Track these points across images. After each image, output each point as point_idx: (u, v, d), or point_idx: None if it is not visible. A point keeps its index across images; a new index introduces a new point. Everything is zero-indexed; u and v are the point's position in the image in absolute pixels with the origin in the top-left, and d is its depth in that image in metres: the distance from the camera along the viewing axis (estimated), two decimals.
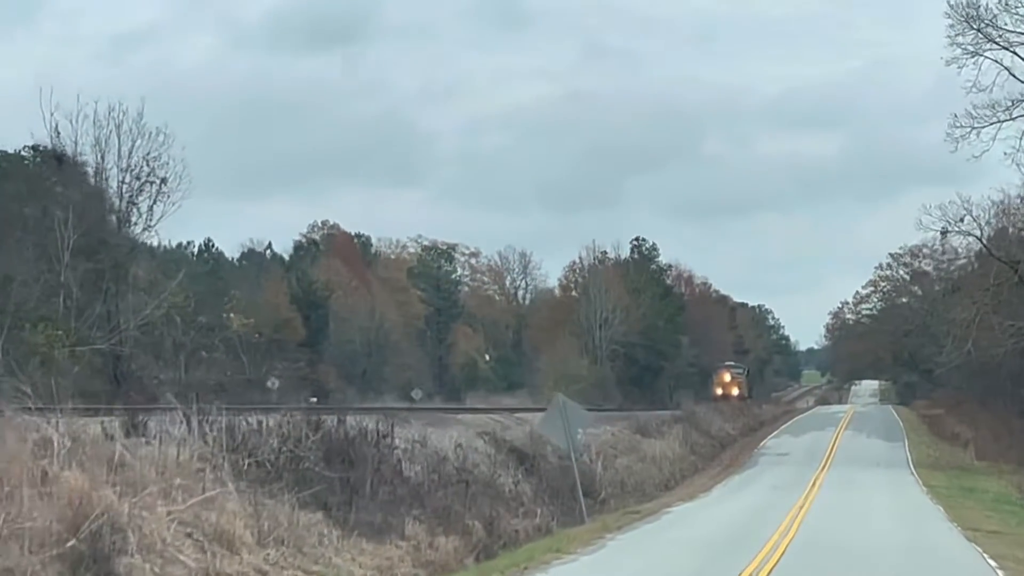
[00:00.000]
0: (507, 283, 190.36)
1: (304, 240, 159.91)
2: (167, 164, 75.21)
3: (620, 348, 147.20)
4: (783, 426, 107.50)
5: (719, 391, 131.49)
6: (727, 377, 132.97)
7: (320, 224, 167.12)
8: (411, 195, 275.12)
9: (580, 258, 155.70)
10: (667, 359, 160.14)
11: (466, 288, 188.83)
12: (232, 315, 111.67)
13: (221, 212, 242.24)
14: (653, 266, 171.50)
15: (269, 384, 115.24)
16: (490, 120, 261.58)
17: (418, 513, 35.48)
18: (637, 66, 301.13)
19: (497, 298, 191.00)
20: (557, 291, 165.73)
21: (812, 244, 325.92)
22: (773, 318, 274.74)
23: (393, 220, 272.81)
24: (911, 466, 73.73)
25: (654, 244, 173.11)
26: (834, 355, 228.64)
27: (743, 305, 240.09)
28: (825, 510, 46.59)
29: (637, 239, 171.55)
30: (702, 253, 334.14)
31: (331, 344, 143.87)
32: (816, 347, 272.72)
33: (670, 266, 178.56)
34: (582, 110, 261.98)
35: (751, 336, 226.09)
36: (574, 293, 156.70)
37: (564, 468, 51.43)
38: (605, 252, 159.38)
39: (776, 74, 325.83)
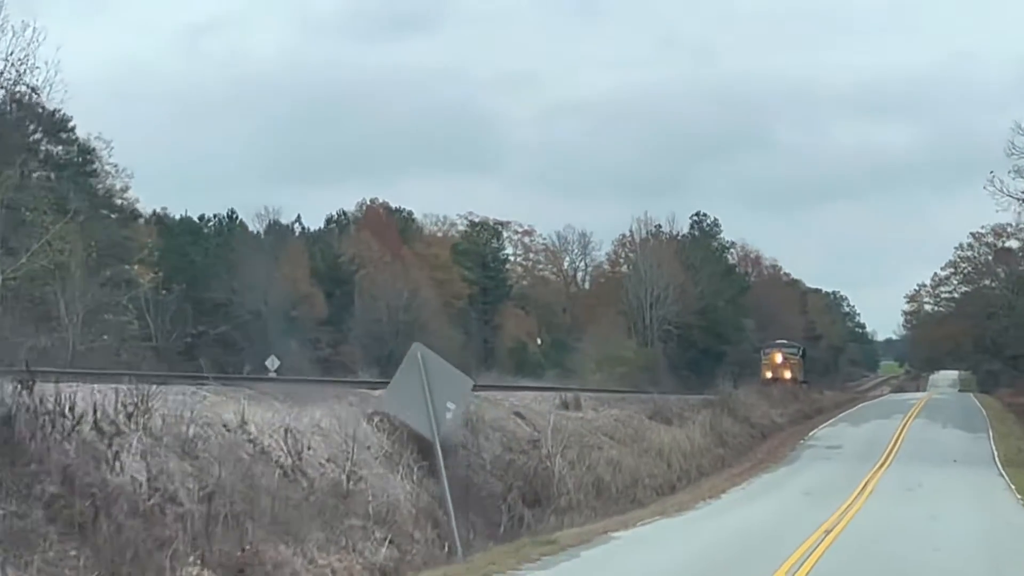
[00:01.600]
0: (565, 264, 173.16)
1: (336, 215, 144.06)
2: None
3: (674, 329, 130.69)
4: (843, 414, 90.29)
5: (768, 373, 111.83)
6: (778, 357, 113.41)
7: (367, 202, 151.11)
8: (483, 183, 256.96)
9: (630, 231, 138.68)
10: (729, 343, 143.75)
11: (520, 268, 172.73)
12: (137, 267, 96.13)
13: (291, 197, 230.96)
14: (715, 243, 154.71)
15: (268, 363, 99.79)
16: (564, 109, 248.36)
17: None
18: (711, 56, 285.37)
19: (553, 279, 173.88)
20: (606, 266, 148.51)
21: (889, 234, 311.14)
22: (848, 305, 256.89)
23: (459, 206, 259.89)
24: (998, 464, 56.38)
25: (716, 220, 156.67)
26: (911, 344, 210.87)
27: (816, 291, 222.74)
28: (871, 532, 30.35)
29: (697, 214, 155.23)
30: (775, 241, 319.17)
31: (357, 323, 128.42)
32: (895, 337, 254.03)
33: (733, 243, 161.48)
34: (655, 99, 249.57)
35: (824, 322, 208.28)
36: (624, 268, 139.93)
37: (510, 464, 35.61)
38: (659, 226, 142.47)
39: (852, 63, 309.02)
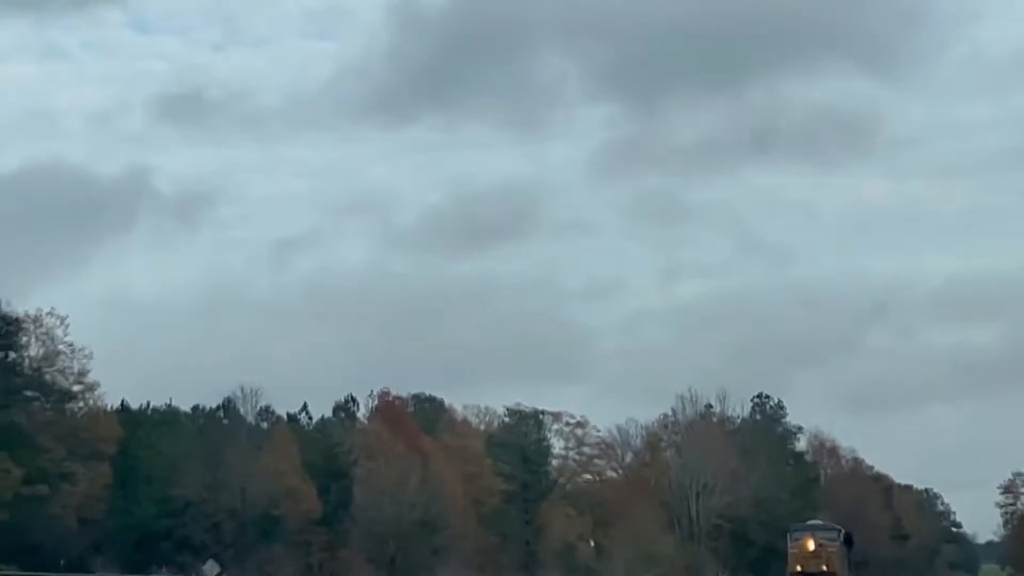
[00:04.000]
0: (628, 459, 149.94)
1: (344, 401, 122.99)
2: None
3: (725, 523, 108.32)
4: None
5: (798, 567, 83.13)
6: (810, 544, 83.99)
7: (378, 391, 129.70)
8: (570, 391, 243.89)
9: (672, 410, 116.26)
10: None
11: (572, 463, 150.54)
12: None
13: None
14: (778, 427, 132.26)
15: (205, 569, 79.00)
16: (648, 315, 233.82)
17: None
18: (792, 258, 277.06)
19: (613, 475, 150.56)
20: (643, 452, 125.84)
21: (984, 435, 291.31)
22: (943, 504, 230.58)
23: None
24: None
25: (780, 401, 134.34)
26: (1013, 541, 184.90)
27: (906, 487, 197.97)
28: None
29: (760, 395, 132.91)
30: (862, 443, 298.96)
31: (356, 523, 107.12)
32: (995, 539, 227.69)
33: (801, 428, 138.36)
34: (738, 304, 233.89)
35: (914, 520, 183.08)
36: (666, 454, 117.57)
37: None
38: (709, 405, 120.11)
39: (938, 265, 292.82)
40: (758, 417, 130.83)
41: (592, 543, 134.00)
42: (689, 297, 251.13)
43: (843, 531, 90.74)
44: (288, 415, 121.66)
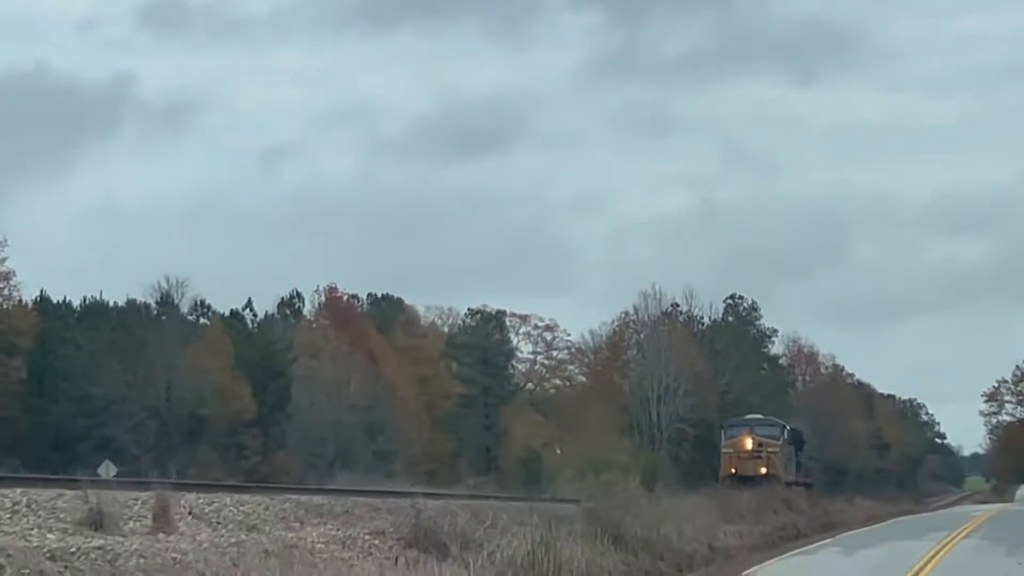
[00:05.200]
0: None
1: (288, 297, 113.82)
2: None
3: (688, 428, 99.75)
4: (851, 533, 57.82)
5: (731, 468, 73.03)
6: (747, 443, 73.23)
7: (326, 288, 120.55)
8: (553, 302, 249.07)
9: (634, 308, 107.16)
10: None
11: (541, 368, 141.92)
12: None
13: None
14: (751, 330, 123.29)
15: (101, 470, 70.28)
16: (633, 228, 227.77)
17: None
18: (781, 171, 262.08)
19: (583, 379, 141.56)
20: (601, 350, 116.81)
21: (972, 349, 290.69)
22: (927, 414, 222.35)
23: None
24: None
25: (754, 303, 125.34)
26: (995, 453, 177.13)
27: (888, 397, 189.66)
28: None
29: (732, 296, 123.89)
30: (850, 357, 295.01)
31: (294, 425, 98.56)
32: (981, 451, 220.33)
33: (776, 331, 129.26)
34: (725, 216, 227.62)
35: (896, 431, 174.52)
36: (625, 356, 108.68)
37: None
38: (676, 304, 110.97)
39: (926, 178, 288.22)
40: (730, 319, 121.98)
41: (559, 451, 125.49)
42: (675, 210, 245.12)
43: (788, 427, 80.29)
44: (232, 312, 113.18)
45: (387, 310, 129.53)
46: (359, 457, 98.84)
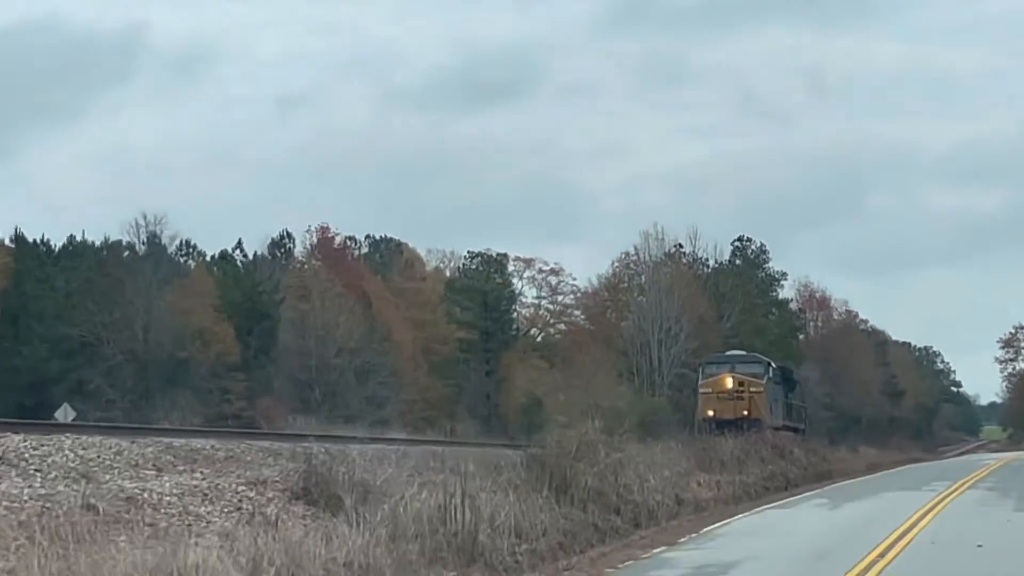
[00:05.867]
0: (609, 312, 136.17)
1: (280, 237, 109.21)
2: None
3: (691, 373, 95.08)
4: (845, 483, 52.90)
5: (709, 411, 65.29)
6: (728, 382, 65.69)
7: (318, 227, 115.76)
8: (566, 250, 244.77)
9: (635, 248, 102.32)
10: None
11: (546, 313, 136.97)
12: None
13: None
14: (760, 273, 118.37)
15: (58, 414, 66.17)
16: (651, 178, 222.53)
17: None
18: (796, 121, 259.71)
19: (590, 328, 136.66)
20: (603, 291, 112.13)
21: (989, 300, 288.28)
22: (943, 362, 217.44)
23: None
24: None
25: (763, 245, 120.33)
26: (1012, 401, 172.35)
27: (903, 344, 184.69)
28: None
29: (740, 238, 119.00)
30: (866, 306, 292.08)
31: (281, 369, 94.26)
32: (998, 400, 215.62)
33: (785, 275, 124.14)
34: (740, 166, 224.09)
35: (910, 378, 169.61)
36: (625, 297, 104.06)
37: None
38: (679, 245, 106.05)
39: (943, 129, 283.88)
40: (738, 262, 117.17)
41: (562, 397, 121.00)
42: (690, 159, 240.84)
43: (775, 365, 72.74)
44: (222, 254, 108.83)
45: (386, 252, 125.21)
46: (349, 402, 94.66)
